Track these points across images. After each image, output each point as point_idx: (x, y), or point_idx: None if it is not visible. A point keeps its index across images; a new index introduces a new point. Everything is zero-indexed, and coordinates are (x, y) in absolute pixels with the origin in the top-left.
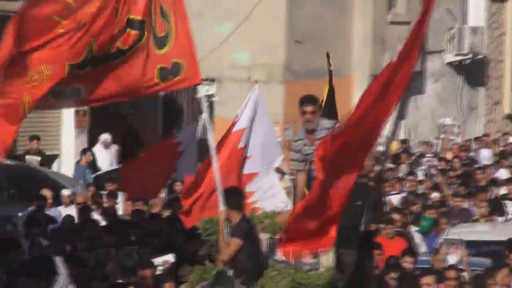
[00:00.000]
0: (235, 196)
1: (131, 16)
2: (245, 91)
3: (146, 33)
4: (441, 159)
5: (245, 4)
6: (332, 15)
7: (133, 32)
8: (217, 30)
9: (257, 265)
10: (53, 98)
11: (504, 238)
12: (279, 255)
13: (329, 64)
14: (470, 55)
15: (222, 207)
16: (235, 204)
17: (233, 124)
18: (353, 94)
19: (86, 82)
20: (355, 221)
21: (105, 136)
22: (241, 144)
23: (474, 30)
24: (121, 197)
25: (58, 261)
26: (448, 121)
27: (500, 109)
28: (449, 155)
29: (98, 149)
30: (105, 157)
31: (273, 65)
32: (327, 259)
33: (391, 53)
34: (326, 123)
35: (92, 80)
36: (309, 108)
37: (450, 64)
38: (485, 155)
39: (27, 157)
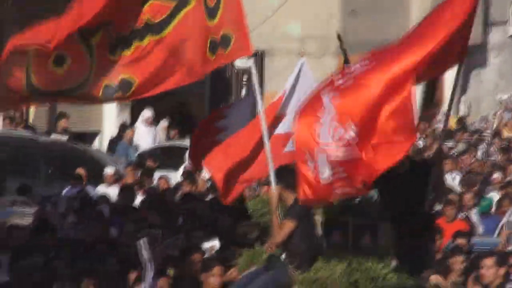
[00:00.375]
0: (289, 175)
1: None
2: None
3: (194, 3)
4: (495, 135)
5: None
6: None
7: (166, 3)
8: (268, 1)
9: (311, 248)
10: (103, 95)
11: None
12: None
13: (341, 43)
14: None
15: (274, 186)
16: (289, 183)
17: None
18: None
19: (135, 69)
20: (415, 202)
21: (148, 114)
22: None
23: None
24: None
25: (142, 243)
26: (505, 96)
27: None
28: (505, 132)
29: (139, 126)
30: (147, 135)
31: (327, 37)
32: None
33: None
34: None
35: (142, 65)
36: None
37: None
38: None
39: (52, 135)
